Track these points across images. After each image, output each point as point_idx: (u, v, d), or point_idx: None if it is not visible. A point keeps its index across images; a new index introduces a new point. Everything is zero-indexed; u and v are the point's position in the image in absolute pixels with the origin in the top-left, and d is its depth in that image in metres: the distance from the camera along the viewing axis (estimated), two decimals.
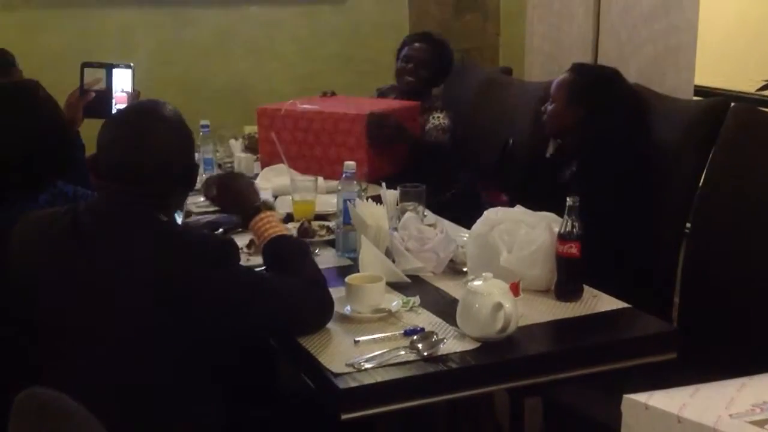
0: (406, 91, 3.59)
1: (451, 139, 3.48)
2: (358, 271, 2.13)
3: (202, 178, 3.04)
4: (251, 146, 3.46)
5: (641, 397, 1.40)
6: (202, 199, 2.90)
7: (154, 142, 1.79)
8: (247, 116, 3.67)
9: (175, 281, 1.68)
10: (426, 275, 2.23)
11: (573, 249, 2.03)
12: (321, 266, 2.04)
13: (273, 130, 3.16)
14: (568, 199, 2.03)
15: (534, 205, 2.19)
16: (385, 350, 1.79)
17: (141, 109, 1.94)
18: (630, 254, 2.53)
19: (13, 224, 1.88)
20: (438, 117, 3.49)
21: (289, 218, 2.61)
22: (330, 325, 1.91)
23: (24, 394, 1.45)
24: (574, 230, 2.03)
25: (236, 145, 3.46)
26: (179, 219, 2.44)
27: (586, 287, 2.10)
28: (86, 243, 1.74)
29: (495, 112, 3.48)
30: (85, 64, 2.76)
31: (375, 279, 2.01)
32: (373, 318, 1.95)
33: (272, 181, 2.97)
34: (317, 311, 1.89)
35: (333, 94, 3.62)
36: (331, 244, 2.46)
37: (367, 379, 1.71)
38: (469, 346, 1.84)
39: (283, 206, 2.68)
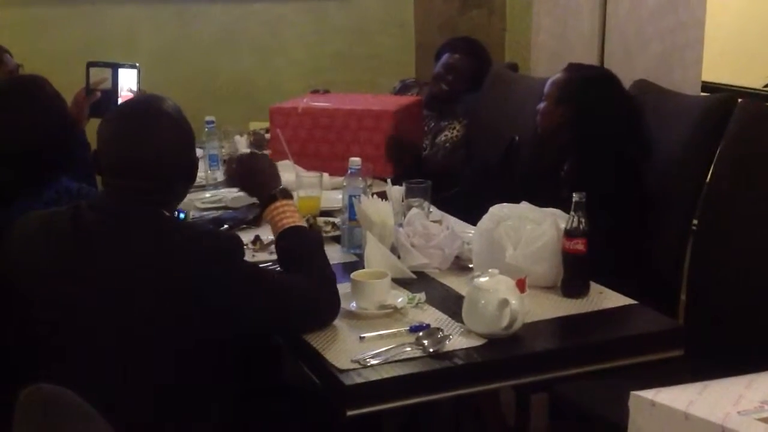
0: (435, 97, 3.60)
1: (462, 153, 3.50)
2: (364, 267, 2.12)
3: (206, 174, 3.05)
4: (256, 142, 3.46)
5: (648, 394, 1.39)
6: (207, 195, 2.91)
7: (154, 136, 1.78)
8: (252, 112, 3.68)
9: (178, 278, 1.68)
10: (431, 271, 2.22)
11: (579, 245, 2.03)
12: None
13: (288, 128, 3.15)
14: (574, 195, 2.03)
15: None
16: (390, 347, 1.78)
17: (140, 104, 1.94)
18: (636, 251, 2.52)
19: (15, 219, 1.88)
20: (454, 128, 3.53)
21: None
22: (335, 321, 1.91)
23: (29, 390, 1.45)
24: (581, 226, 2.02)
25: (241, 141, 3.45)
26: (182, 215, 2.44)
27: (592, 284, 2.09)
28: (87, 240, 1.74)
29: (500, 108, 3.47)
30: (90, 64, 2.77)
31: (380, 275, 2.00)
32: (378, 314, 1.94)
33: None
34: (322, 311, 1.88)
35: (326, 91, 3.62)
36: (336, 240, 2.46)
37: (373, 376, 1.70)
38: (474, 342, 1.83)
39: None
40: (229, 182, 2.30)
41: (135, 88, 2.77)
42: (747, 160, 2.39)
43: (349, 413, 1.69)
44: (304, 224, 2.00)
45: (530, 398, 2.64)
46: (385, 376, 1.71)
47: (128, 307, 1.69)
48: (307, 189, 2.64)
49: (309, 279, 1.86)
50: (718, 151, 2.49)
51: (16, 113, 2.19)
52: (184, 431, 1.77)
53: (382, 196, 2.39)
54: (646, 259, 2.53)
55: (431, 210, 2.54)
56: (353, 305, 1.96)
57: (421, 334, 1.82)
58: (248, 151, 2.19)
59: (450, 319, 1.94)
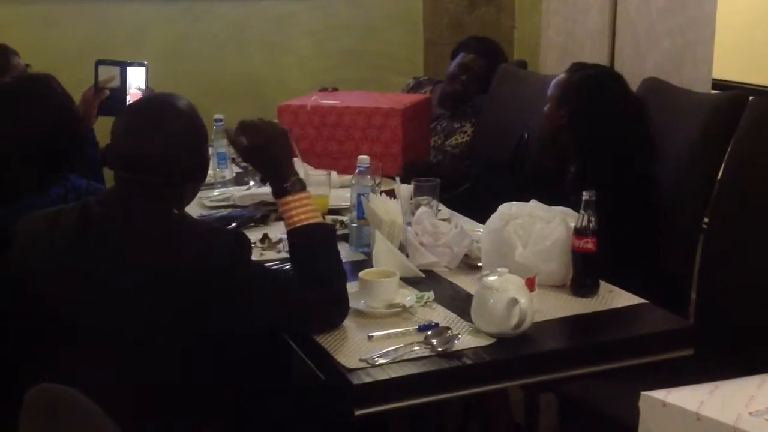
0: (449, 97, 3.61)
1: (468, 158, 3.52)
2: (372, 266, 2.11)
3: (214, 172, 3.05)
4: None
5: (659, 395, 1.38)
6: (216, 193, 2.91)
7: (166, 133, 1.78)
8: (260, 110, 3.64)
9: (184, 275, 1.67)
10: (440, 270, 2.22)
11: (589, 244, 2.02)
12: None
13: (296, 126, 3.15)
14: (584, 193, 2.02)
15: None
16: (399, 346, 1.78)
17: (154, 100, 1.93)
18: (646, 250, 2.51)
19: (23, 216, 1.88)
20: (465, 133, 3.55)
21: None
22: None
23: (35, 389, 1.45)
24: (591, 225, 2.01)
25: None
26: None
27: (602, 283, 2.08)
28: (94, 235, 1.73)
29: (510, 106, 3.46)
30: (99, 62, 2.77)
31: (389, 274, 1.99)
32: (386, 313, 1.94)
33: None
34: (330, 315, 1.87)
35: (335, 89, 3.62)
36: (344, 238, 2.45)
37: (381, 375, 1.70)
38: (483, 341, 1.82)
39: None
40: (238, 150, 2.03)
41: (143, 86, 2.78)
42: (758, 157, 2.37)
43: (358, 412, 1.68)
44: (318, 218, 1.93)
45: (539, 398, 2.64)
46: (394, 375, 1.70)
47: (133, 304, 1.69)
48: (316, 187, 2.63)
49: (318, 281, 1.84)
50: (729, 149, 2.47)
51: (25, 112, 2.19)
52: (191, 430, 1.76)
53: (391, 194, 2.38)
54: (657, 257, 2.52)
55: (440, 208, 2.53)
56: (362, 304, 1.95)
57: (429, 333, 1.81)
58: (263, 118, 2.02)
59: (459, 318, 1.93)
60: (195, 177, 1.86)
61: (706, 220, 2.54)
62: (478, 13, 4.51)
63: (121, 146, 1.80)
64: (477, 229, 2.36)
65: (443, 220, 2.39)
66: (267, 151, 1.93)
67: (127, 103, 2.75)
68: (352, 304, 1.91)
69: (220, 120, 3.23)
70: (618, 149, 2.60)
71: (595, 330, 1.96)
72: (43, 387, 1.44)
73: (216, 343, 1.74)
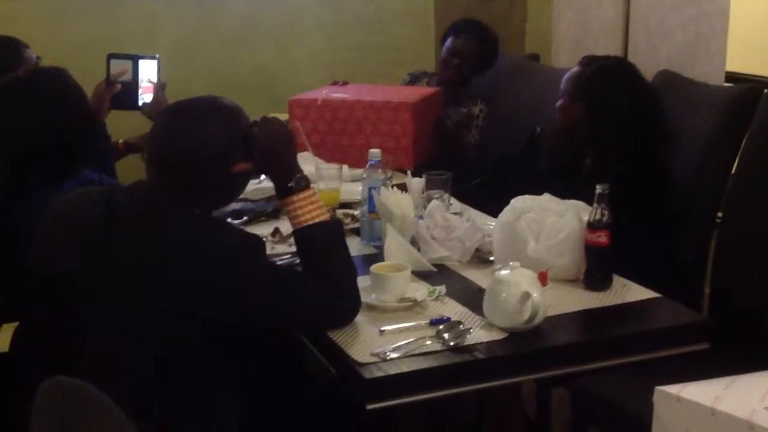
0: (445, 83, 3.60)
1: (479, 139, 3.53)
2: (383, 260, 2.11)
3: None
4: None
5: (674, 389, 1.37)
6: None
7: (200, 139, 1.77)
8: (271, 104, 3.66)
9: (195, 275, 1.67)
10: (452, 264, 2.21)
11: (602, 237, 2.00)
12: None
13: (308, 121, 3.14)
14: (597, 186, 2.00)
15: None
16: (410, 340, 1.77)
17: (197, 103, 1.88)
18: (660, 243, 2.49)
19: (38, 210, 1.89)
20: (474, 115, 3.55)
21: None
22: None
23: (47, 382, 1.45)
24: (604, 218, 2.00)
25: None
26: None
27: (615, 276, 2.07)
28: (115, 225, 1.74)
29: (522, 100, 3.45)
30: (111, 56, 2.77)
31: (400, 268, 1.99)
32: (398, 307, 1.93)
33: None
34: (340, 315, 1.86)
35: (345, 83, 3.61)
36: (356, 232, 2.45)
37: (393, 369, 1.69)
38: (496, 336, 1.81)
39: None
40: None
41: (155, 80, 2.78)
42: None
43: (369, 407, 1.68)
44: (325, 215, 1.92)
45: (551, 392, 2.63)
46: (405, 369, 1.70)
47: (145, 298, 1.69)
48: (327, 181, 2.63)
49: (327, 280, 1.82)
50: (743, 142, 2.45)
51: (38, 105, 2.19)
52: (205, 422, 1.76)
53: (402, 188, 2.37)
54: (670, 251, 2.50)
55: (451, 202, 2.52)
56: (373, 298, 1.94)
57: (441, 327, 1.81)
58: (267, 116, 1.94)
59: (471, 312, 1.92)
60: (222, 187, 1.85)
61: (720, 213, 2.53)
62: (489, 7, 4.49)
63: (156, 144, 1.81)
64: (489, 223, 2.35)
65: (455, 213, 2.38)
66: (269, 151, 1.89)
67: (139, 96, 2.76)
68: (363, 298, 1.90)
69: None
70: (635, 140, 2.57)
71: (609, 324, 1.95)
72: (55, 380, 1.44)
73: (227, 340, 1.74)
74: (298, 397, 2.05)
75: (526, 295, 1.79)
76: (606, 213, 2.00)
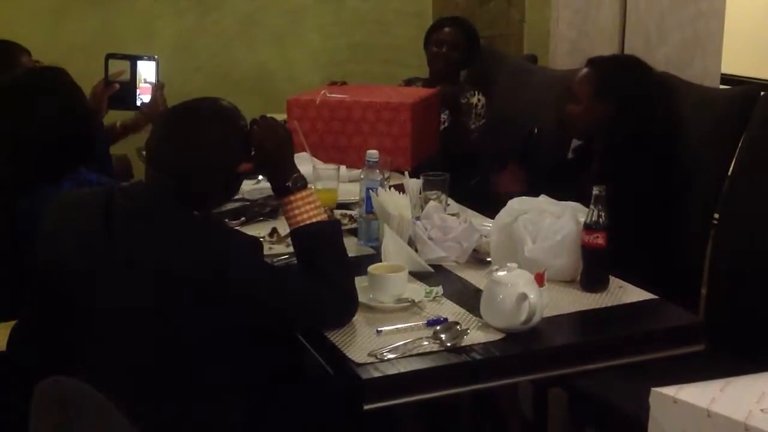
0: (437, 75, 3.65)
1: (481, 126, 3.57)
2: (381, 261, 2.11)
3: None
4: None
5: (670, 391, 1.37)
6: None
7: (199, 141, 1.78)
8: (270, 104, 3.66)
9: (191, 275, 1.67)
10: (449, 265, 2.21)
11: (599, 239, 2.01)
12: None
13: (306, 121, 3.15)
14: (594, 188, 2.01)
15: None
16: (407, 340, 1.77)
17: (196, 105, 1.88)
18: (657, 245, 2.50)
19: (37, 209, 1.89)
20: (473, 104, 3.59)
21: None
22: None
23: (45, 382, 1.45)
24: (600, 220, 2.00)
25: None
26: None
27: (612, 278, 2.07)
28: (114, 225, 1.74)
29: (520, 100, 3.45)
30: (109, 56, 2.78)
31: (397, 268, 1.99)
32: (395, 308, 1.93)
33: None
34: (337, 316, 1.86)
35: (344, 83, 3.62)
36: (353, 233, 2.45)
37: (390, 370, 1.70)
38: (493, 337, 1.82)
39: None
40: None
41: (154, 80, 2.78)
42: None
43: (366, 407, 1.68)
44: (322, 215, 1.92)
45: (548, 393, 2.63)
46: (402, 370, 1.70)
47: (143, 297, 1.69)
48: (325, 181, 2.63)
49: (325, 280, 1.83)
50: (740, 144, 2.46)
51: (37, 104, 2.20)
52: (203, 422, 1.77)
53: (400, 188, 2.38)
54: (667, 253, 2.51)
55: (449, 203, 2.52)
56: (370, 299, 1.95)
57: (438, 328, 1.81)
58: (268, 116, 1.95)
59: (468, 313, 1.92)
60: (222, 188, 1.86)
61: (716, 215, 2.53)
62: (487, 7, 4.50)
63: (155, 144, 1.81)
64: (486, 224, 2.35)
65: (452, 214, 2.38)
66: (268, 150, 1.91)
67: (137, 97, 2.76)
68: (360, 298, 1.90)
69: None
70: (656, 138, 2.52)
71: (605, 325, 1.95)
72: (53, 380, 1.44)
73: (225, 341, 1.74)
74: (295, 397, 2.05)
75: (523, 296, 1.80)
76: (603, 214, 2.00)
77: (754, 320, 2.29)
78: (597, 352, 1.88)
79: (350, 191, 2.68)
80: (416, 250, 2.20)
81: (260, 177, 2.90)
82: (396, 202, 2.27)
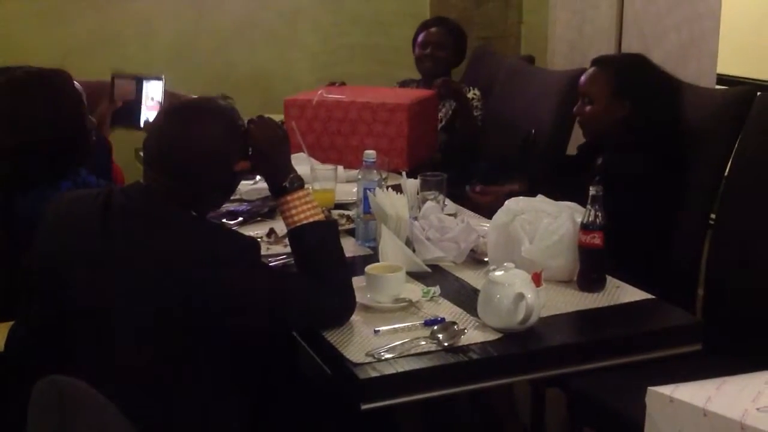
0: (426, 75, 3.67)
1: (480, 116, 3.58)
2: (378, 261, 2.11)
3: None
4: None
5: (666, 390, 1.38)
6: None
7: (196, 141, 1.78)
8: (268, 105, 3.66)
9: (189, 276, 1.68)
10: (446, 265, 2.21)
11: (596, 239, 2.01)
12: None
13: (303, 121, 3.15)
14: (591, 188, 2.01)
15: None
16: (405, 340, 1.77)
17: (192, 106, 1.90)
18: (654, 245, 2.50)
19: (35, 209, 1.89)
20: (473, 100, 3.61)
21: None
22: None
23: (43, 381, 1.45)
24: (597, 220, 2.01)
25: None
26: None
27: (609, 278, 2.08)
28: (113, 225, 1.74)
29: (517, 102, 3.46)
30: (115, 76, 2.80)
31: (395, 269, 1.99)
32: (393, 308, 1.94)
33: None
34: (334, 316, 1.87)
35: (342, 84, 3.63)
36: (351, 233, 2.45)
37: (387, 369, 1.70)
38: (490, 336, 1.82)
39: None
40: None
41: (161, 99, 2.79)
42: (766, 153, 2.36)
43: (364, 407, 1.68)
44: (319, 215, 1.92)
45: (545, 393, 2.64)
46: (400, 369, 1.70)
47: (141, 298, 1.69)
48: (322, 182, 2.63)
49: (322, 280, 1.84)
50: (736, 145, 2.46)
51: (39, 102, 2.19)
52: (201, 423, 1.77)
53: (397, 189, 2.38)
54: (664, 253, 2.51)
55: (446, 203, 2.53)
56: (368, 299, 1.95)
57: (435, 327, 1.82)
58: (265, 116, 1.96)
59: (465, 312, 1.93)
60: (221, 188, 1.87)
61: (713, 216, 2.53)
62: (485, 9, 4.51)
63: (152, 145, 1.81)
64: (483, 224, 2.35)
65: (450, 215, 2.39)
66: (265, 149, 1.91)
67: (142, 115, 2.78)
68: (358, 298, 1.91)
69: None
70: (672, 133, 2.51)
71: (602, 325, 1.96)
72: (50, 379, 1.44)
73: (223, 341, 1.75)
74: (292, 398, 2.05)
75: (520, 296, 1.80)
76: (600, 214, 2.01)
77: (751, 320, 2.29)
78: (594, 352, 1.88)
79: (348, 192, 2.69)
80: (414, 251, 2.20)
81: (258, 177, 2.91)
82: (393, 202, 2.28)
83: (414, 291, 1.99)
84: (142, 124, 2.78)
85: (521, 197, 2.18)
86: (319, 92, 3.31)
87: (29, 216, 2.07)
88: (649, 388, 1.41)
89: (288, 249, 2.24)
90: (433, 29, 3.72)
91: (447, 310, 1.95)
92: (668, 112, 2.54)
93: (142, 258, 1.71)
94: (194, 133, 1.79)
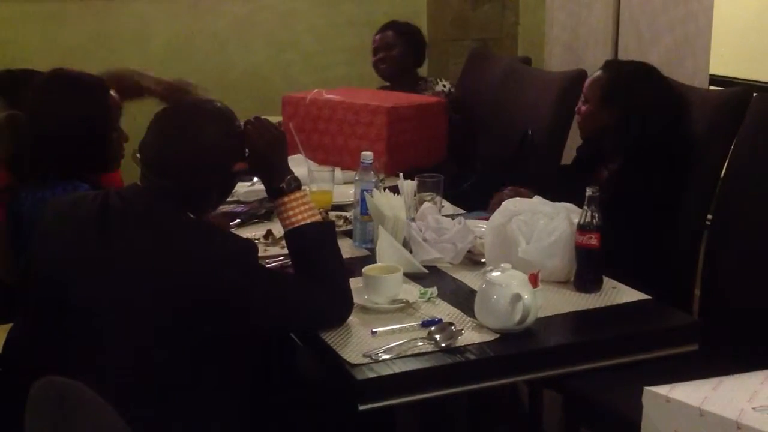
0: (387, 79, 3.68)
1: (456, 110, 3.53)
2: (376, 262, 2.12)
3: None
4: None
5: (663, 390, 1.39)
6: None
7: (194, 142, 1.79)
8: (264, 107, 3.67)
9: (187, 278, 1.68)
10: (444, 266, 2.22)
11: (593, 240, 2.02)
12: None
13: (296, 118, 3.15)
14: (587, 189, 2.02)
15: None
16: (402, 341, 1.78)
17: (189, 108, 1.91)
18: (651, 246, 2.50)
19: (31, 212, 1.89)
20: (439, 85, 3.61)
21: None
22: None
23: (40, 382, 1.45)
24: (594, 221, 2.01)
25: None
26: None
27: (605, 279, 2.08)
28: (111, 227, 1.74)
29: (514, 102, 3.46)
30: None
31: (392, 270, 2.00)
32: (390, 309, 1.94)
33: None
34: (331, 317, 1.87)
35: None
36: (348, 234, 2.45)
37: (385, 370, 1.70)
38: (487, 337, 1.82)
39: None
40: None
41: None
42: (762, 154, 2.37)
43: (361, 407, 1.69)
44: (316, 216, 1.93)
45: (542, 393, 2.64)
46: (397, 370, 1.70)
47: (138, 300, 1.70)
48: (320, 183, 2.63)
49: (319, 281, 1.84)
50: (733, 146, 2.47)
51: (58, 101, 2.20)
52: (199, 423, 1.77)
53: (395, 190, 2.38)
54: (661, 254, 2.51)
55: (443, 204, 2.53)
56: (365, 300, 1.95)
57: (433, 328, 1.82)
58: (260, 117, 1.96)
59: (462, 313, 1.93)
60: (219, 188, 1.87)
61: (709, 216, 2.54)
62: (481, 10, 4.51)
63: (149, 147, 1.82)
64: (480, 225, 2.36)
65: (447, 216, 2.39)
66: (262, 150, 1.91)
67: None
68: (355, 299, 1.91)
69: None
70: (664, 148, 2.49)
71: (599, 326, 1.96)
72: (48, 380, 1.44)
73: (220, 343, 1.75)
74: (290, 398, 2.06)
75: (517, 297, 1.81)
76: (596, 215, 2.01)
77: (747, 320, 2.30)
78: (591, 353, 1.89)
79: (345, 193, 2.69)
80: (411, 252, 2.20)
81: (255, 179, 2.91)
82: (391, 203, 2.28)
83: (411, 292, 2.00)
84: None
85: (518, 198, 2.19)
86: (315, 90, 3.31)
87: (26, 218, 2.07)
88: (645, 388, 1.41)
89: (285, 250, 2.24)
90: (377, 36, 3.71)
91: (444, 311, 1.95)
92: (660, 130, 2.50)
93: (139, 260, 1.71)
94: (191, 135, 1.79)
